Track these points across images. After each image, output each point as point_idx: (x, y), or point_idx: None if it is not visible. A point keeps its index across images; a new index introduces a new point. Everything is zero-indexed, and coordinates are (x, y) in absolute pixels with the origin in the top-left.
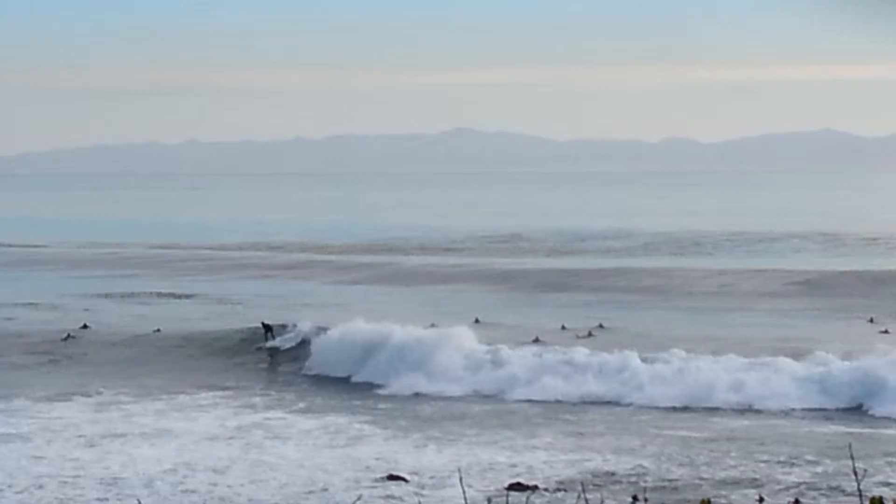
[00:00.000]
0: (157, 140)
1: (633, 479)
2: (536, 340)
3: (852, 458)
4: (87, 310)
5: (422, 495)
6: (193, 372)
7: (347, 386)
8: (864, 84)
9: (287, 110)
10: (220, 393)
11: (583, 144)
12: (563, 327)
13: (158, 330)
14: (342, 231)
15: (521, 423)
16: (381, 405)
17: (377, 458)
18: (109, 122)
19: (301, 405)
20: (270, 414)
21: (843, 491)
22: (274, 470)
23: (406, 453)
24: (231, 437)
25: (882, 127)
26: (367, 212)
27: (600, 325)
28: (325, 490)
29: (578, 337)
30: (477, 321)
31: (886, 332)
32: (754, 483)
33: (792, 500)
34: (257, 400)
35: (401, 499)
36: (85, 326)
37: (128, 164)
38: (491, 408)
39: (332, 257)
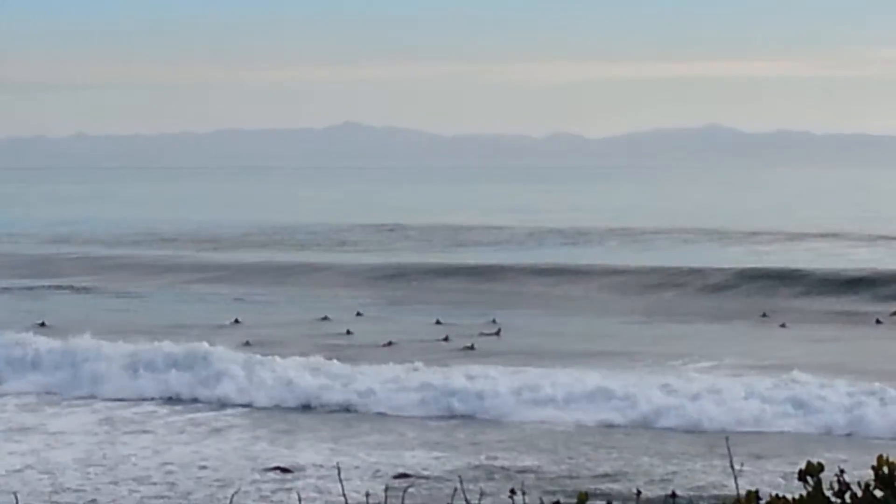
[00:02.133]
0: (44, 134)
1: (513, 474)
2: (447, 339)
3: (729, 452)
4: None
5: (317, 487)
6: None
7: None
8: (748, 81)
9: (174, 104)
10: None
11: (470, 139)
12: (438, 321)
13: (43, 324)
14: (232, 226)
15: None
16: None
17: (254, 454)
18: None
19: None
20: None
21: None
22: (141, 464)
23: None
24: (95, 433)
25: (766, 123)
26: (257, 205)
27: (494, 321)
28: (224, 484)
29: (483, 334)
30: (359, 314)
31: (784, 325)
32: (627, 476)
33: (669, 493)
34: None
35: (289, 490)
36: None
37: (14, 158)
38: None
39: (227, 256)
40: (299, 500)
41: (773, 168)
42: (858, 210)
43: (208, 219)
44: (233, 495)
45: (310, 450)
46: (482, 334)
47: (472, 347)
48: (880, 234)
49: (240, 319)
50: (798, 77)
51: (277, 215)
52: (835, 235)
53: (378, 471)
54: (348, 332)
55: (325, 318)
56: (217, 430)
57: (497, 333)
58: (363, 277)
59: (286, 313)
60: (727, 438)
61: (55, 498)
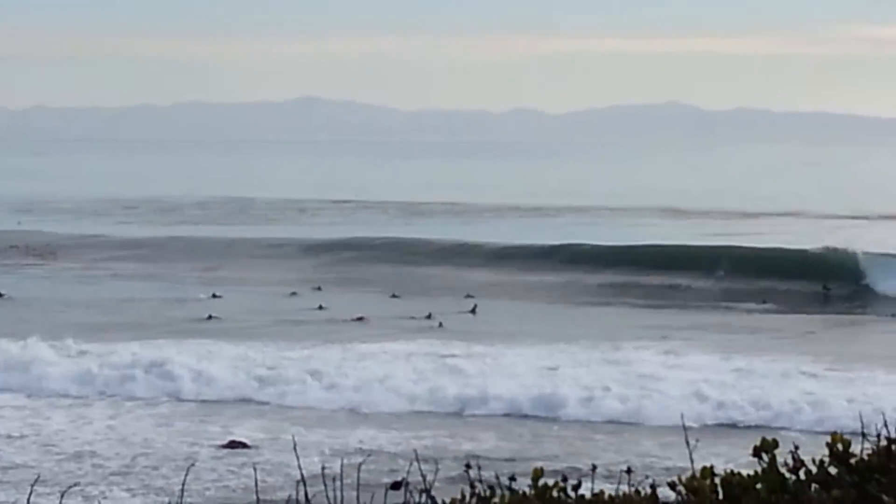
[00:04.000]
0: (4, 105)
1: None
2: (430, 317)
3: (685, 430)
4: None
5: (272, 461)
6: None
7: None
8: (709, 58)
9: (133, 77)
10: None
11: (429, 115)
12: (394, 295)
13: (2, 295)
14: (190, 199)
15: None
16: None
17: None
18: None
19: None
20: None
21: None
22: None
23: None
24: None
25: (726, 101)
26: (216, 178)
27: (470, 296)
28: (184, 459)
29: (461, 312)
30: (319, 289)
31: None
32: (581, 459)
33: (624, 469)
34: None
35: (251, 465)
36: None
37: None
38: None
39: (187, 229)
40: (255, 473)
41: (734, 145)
42: (811, 189)
43: (166, 192)
44: (188, 468)
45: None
46: (461, 312)
47: (440, 325)
48: (831, 213)
49: (218, 294)
50: (758, 55)
51: (236, 188)
52: (780, 215)
53: None
54: (321, 308)
55: (294, 294)
56: None
57: (473, 311)
58: (323, 252)
59: (254, 288)
60: (682, 415)
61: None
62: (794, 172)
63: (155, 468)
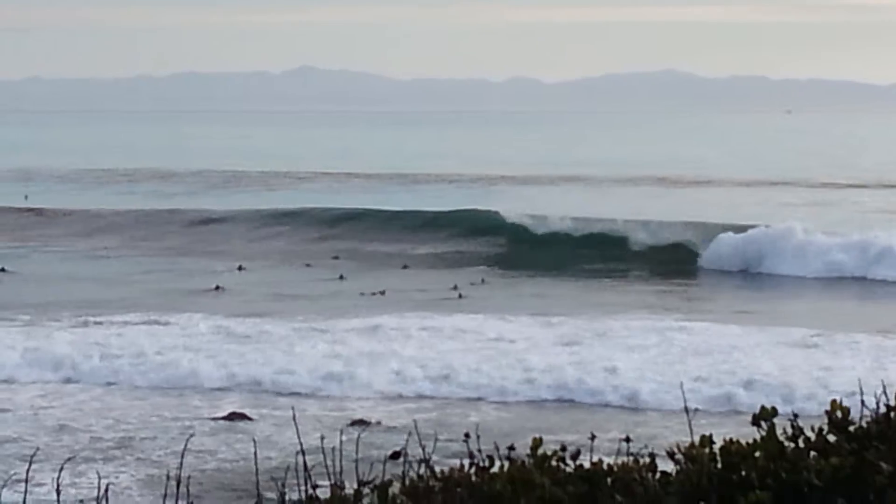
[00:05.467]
0: None
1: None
2: (455, 288)
3: (684, 396)
4: None
5: (273, 433)
6: None
7: None
8: (705, 26)
9: (130, 47)
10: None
11: (426, 83)
12: (406, 266)
13: (3, 269)
14: (188, 170)
15: None
16: None
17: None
18: None
19: None
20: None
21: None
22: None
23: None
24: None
25: (722, 68)
26: (214, 150)
27: (486, 267)
28: (180, 432)
29: (472, 284)
30: (336, 258)
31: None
32: (570, 430)
33: (623, 437)
34: None
35: (251, 435)
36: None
37: None
38: None
39: (191, 201)
40: (254, 444)
41: (731, 114)
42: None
43: (162, 164)
44: (188, 439)
45: None
46: (472, 284)
47: (460, 296)
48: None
49: (244, 266)
50: (754, 22)
51: (236, 160)
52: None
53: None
54: (342, 278)
55: (308, 265)
56: None
57: (481, 282)
58: (326, 224)
59: (272, 259)
60: (682, 383)
61: None
62: (785, 140)
63: (153, 439)
